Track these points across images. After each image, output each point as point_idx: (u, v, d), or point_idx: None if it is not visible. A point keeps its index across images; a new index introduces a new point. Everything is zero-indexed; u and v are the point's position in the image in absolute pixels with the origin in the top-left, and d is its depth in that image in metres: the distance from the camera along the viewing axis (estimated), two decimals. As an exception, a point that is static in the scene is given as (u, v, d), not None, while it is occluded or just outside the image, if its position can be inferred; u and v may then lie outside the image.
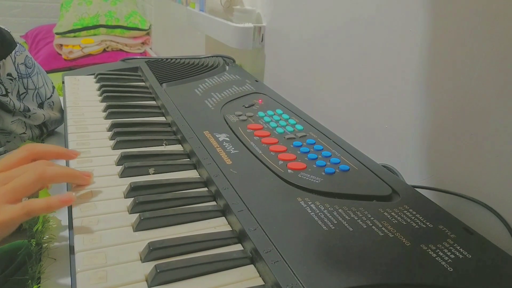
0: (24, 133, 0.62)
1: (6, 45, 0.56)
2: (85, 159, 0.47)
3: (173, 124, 0.56)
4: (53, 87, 0.66)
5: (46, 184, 0.39)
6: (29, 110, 0.59)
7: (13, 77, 0.57)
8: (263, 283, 0.32)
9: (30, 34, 2.13)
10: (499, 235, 0.45)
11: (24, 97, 0.60)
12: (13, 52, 0.57)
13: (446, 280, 0.32)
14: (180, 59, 0.82)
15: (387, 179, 0.45)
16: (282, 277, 0.30)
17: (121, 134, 0.52)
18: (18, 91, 0.59)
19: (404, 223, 0.38)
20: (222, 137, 0.52)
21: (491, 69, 0.45)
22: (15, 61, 0.58)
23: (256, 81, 0.73)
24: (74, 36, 1.82)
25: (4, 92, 0.56)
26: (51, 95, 0.65)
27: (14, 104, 0.57)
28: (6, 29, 0.57)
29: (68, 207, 0.40)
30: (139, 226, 0.36)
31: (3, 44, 0.56)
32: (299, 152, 0.49)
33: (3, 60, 0.56)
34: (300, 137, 0.53)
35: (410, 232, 0.36)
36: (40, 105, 0.62)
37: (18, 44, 0.58)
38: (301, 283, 0.30)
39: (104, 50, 1.89)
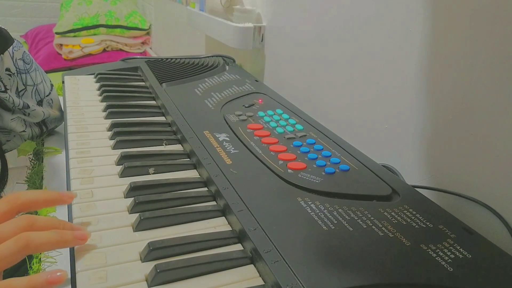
0: (24, 131, 0.62)
1: (3, 40, 0.56)
2: (85, 159, 0.47)
3: (173, 124, 0.56)
4: (51, 85, 0.66)
5: (31, 253, 0.33)
6: (28, 107, 0.59)
7: (11, 72, 0.57)
8: (263, 283, 0.32)
9: (30, 34, 2.13)
10: (499, 235, 0.45)
11: (23, 94, 0.60)
12: (11, 47, 0.57)
13: (446, 280, 0.31)
14: (180, 59, 0.82)
15: (387, 179, 0.45)
16: (282, 277, 0.30)
17: (121, 134, 0.52)
18: (17, 88, 0.59)
19: (404, 223, 0.38)
20: (222, 137, 0.52)
21: (491, 69, 0.45)
22: (13, 56, 0.58)
23: (256, 81, 0.73)
24: (74, 36, 1.82)
25: (3, 89, 0.56)
26: (50, 93, 0.65)
27: (13, 101, 0.57)
28: (1, 27, 0.56)
29: (68, 206, 0.40)
30: (139, 226, 0.36)
31: (0, 39, 0.55)
32: (299, 152, 0.49)
33: (1, 55, 0.55)
34: (300, 137, 0.53)
35: (410, 232, 0.36)
36: (39, 103, 0.62)
37: (15, 40, 0.58)
38: (301, 283, 0.30)
39: (104, 50, 1.89)
